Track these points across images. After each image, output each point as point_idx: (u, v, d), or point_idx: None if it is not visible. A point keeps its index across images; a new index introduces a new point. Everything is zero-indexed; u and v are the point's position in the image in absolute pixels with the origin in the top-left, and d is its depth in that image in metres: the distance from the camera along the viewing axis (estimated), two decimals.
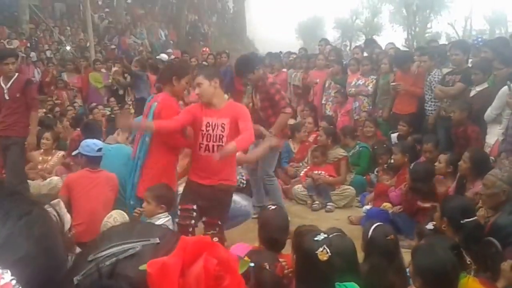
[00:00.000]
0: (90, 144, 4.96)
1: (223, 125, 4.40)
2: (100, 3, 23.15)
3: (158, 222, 4.03)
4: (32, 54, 14.68)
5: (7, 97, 6.19)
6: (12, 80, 6.18)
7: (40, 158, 6.96)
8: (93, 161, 4.96)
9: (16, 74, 6.33)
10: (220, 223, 4.54)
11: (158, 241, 0.92)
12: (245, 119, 4.41)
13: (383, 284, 3.16)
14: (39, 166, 6.89)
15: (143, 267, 0.86)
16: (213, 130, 4.41)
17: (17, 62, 6.38)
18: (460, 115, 6.43)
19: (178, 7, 23.17)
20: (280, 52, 12.09)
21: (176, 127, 4.51)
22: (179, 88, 4.81)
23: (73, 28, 18.66)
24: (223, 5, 30.14)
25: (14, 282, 0.80)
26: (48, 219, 0.96)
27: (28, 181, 6.55)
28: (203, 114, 4.45)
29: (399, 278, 3.19)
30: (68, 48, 16.75)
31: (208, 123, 4.42)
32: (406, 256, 3.46)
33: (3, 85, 6.21)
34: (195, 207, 4.50)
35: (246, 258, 2.12)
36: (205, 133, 4.43)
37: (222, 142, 4.37)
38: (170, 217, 4.23)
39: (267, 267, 2.20)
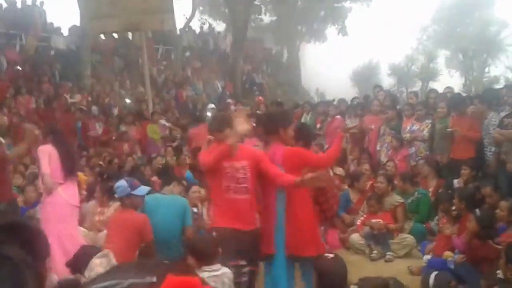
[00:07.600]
0: (119, 186, 5.08)
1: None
2: (158, 57, 23.88)
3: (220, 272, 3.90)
4: (94, 108, 15.11)
5: None
6: None
7: (98, 210, 6.94)
8: (122, 201, 5.09)
9: None
10: None
11: (154, 279, 0.91)
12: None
13: None
14: (96, 218, 6.86)
15: None
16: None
17: None
18: None
19: (233, 58, 23.44)
20: (333, 99, 12.08)
21: None
22: (287, 137, 4.81)
23: (133, 82, 19.17)
24: (277, 56, 30.51)
25: None
26: (21, 276, 0.95)
27: (84, 230, 6.61)
28: None
29: None
30: (127, 101, 17.21)
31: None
32: None
33: None
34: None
35: None
36: None
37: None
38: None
39: None
